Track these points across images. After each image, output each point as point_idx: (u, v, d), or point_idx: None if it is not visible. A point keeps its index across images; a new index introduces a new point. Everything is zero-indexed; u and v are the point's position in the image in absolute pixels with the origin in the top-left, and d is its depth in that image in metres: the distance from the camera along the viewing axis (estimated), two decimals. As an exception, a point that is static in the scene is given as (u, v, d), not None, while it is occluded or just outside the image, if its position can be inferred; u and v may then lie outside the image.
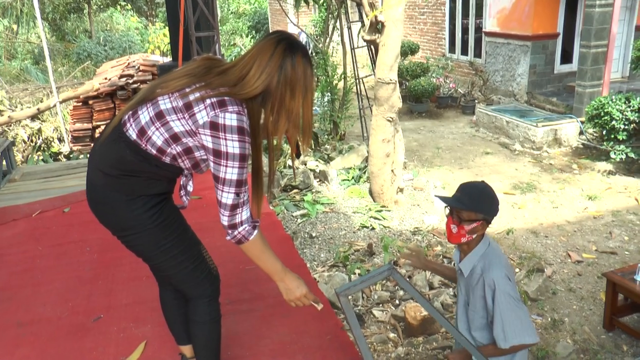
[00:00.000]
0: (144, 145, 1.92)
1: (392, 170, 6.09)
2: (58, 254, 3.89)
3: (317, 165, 7.18)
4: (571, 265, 5.08)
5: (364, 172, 6.82)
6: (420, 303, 2.17)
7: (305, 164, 7.27)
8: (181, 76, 1.93)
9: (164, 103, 1.89)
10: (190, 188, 2.19)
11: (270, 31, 1.99)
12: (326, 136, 8.55)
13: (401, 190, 6.29)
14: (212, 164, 1.89)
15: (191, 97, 1.86)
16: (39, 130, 8.88)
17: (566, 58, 10.27)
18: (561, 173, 7.40)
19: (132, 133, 1.92)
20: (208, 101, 1.84)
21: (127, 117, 1.96)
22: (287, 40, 1.91)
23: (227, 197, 1.89)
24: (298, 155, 2.51)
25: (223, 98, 1.84)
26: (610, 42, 8.19)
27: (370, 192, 6.30)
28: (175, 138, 1.90)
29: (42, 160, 8.10)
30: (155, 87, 1.95)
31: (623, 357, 3.90)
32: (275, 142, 2.03)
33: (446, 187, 6.87)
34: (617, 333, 4.13)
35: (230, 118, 1.82)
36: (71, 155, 8.31)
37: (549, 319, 4.32)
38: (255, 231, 1.97)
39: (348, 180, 6.83)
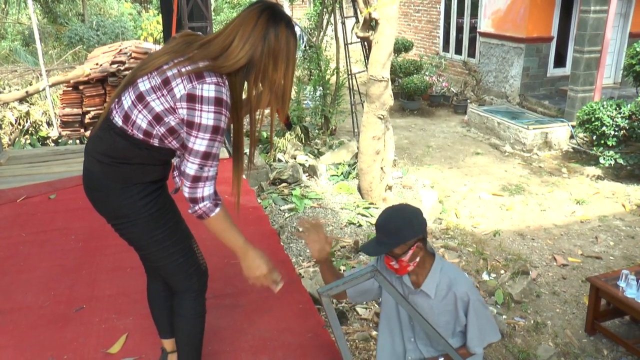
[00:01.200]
0: (130, 130, 1.90)
1: (381, 168, 6.09)
2: (42, 241, 3.84)
3: (306, 160, 7.16)
4: (556, 269, 5.11)
5: (354, 168, 6.81)
6: (401, 305, 2.17)
7: (295, 158, 7.25)
8: (161, 55, 1.90)
9: (143, 84, 1.87)
10: (184, 168, 2.17)
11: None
12: (317, 131, 8.54)
13: (390, 187, 6.29)
14: (184, 135, 1.86)
15: (169, 73, 1.83)
16: (27, 113, 8.78)
17: (559, 62, 10.31)
18: (550, 176, 7.43)
19: (118, 120, 1.91)
20: (185, 74, 1.81)
21: (113, 105, 1.95)
22: (271, 9, 1.87)
23: (190, 167, 1.85)
24: (289, 127, 2.46)
25: (201, 71, 1.81)
26: (604, 48, 8.23)
27: (359, 189, 6.29)
28: (157, 118, 1.87)
29: (30, 144, 8.01)
30: (137, 71, 1.92)
31: (603, 362, 3.94)
32: (257, 114, 1.99)
33: (435, 186, 6.88)
34: (599, 337, 4.17)
35: (207, 89, 1.79)
36: (60, 140, 8.22)
37: (532, 322, 4.35)
38: (217, 209, 1.92)
39: (337, 175, 6.82)
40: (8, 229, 4.04)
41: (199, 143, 1.83)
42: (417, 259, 2.18)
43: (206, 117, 1.80)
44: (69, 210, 4.31)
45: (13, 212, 4.34)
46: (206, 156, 1.85)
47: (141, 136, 1.91)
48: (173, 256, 2.13)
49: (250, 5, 1.90)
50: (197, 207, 1.90)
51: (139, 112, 1.87)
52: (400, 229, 2.12)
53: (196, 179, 1.86)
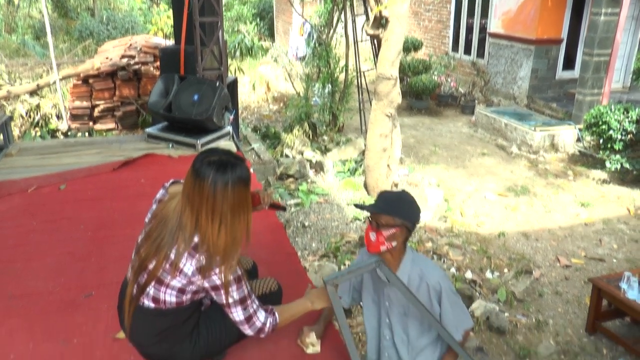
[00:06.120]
0: (164, 307, 2.13)
1: (387, 165, 6.13)
2: (52, 229, 3.90)
3: (313, 156, 7.21)
4: (559, 269, 5.14)
5: (360, 165, 6.86)
6: (406, 297, 2.21)
7: (302, 154, 7.30)
8: (150, 242, 2.10)
9: (159, 272, 2.08)
10: (232, 318, 2.28)
11: (200, 152, 2.03)
12: (324, 127, 8.58)
13: (396, 185, 6.33)
14: (214, 297, 2.08)
15: (176, 260, 2.02)
16: (38, 106, 8.87)
17: (568, 64, 10.29)
18: (556, 178, 7.45)
19: (150, 304, 2.14)
20: (185, 254, 2.02)
21: (135, 293, 2.16)
22: (217, 167, 1.96)
23: (238, 314, 2.09)
24: (284, 209, 2.74)
25: (207, 266, 2.01)
26: (614, 51, 8.21)
27: (365, 185, 6.34)
28: (181, 291, 2.09)
29: (40, 136, 8.10)
30: (143, 260, 2.11)
31: (603, 361, 3.97)
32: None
33: (441, 185, 6.91)
34: (599, 337, 4.20)
35: (219, 277, 2.02)
36: (69, 133, 8.30)
37: (534, 320, 4.39)
38: (276, 316, 2.17)
39: (344, 172, 6.87)
40: (19, 218, 4.11)
41: (232, 296, 2.06)
42: (394, 244, 2.22)
43: (232, 295, 2.05)
44: (78, 200, 4.36)
45: (24, 202, 4.40)
46: (243, 300, 2.08)
47: (174, 305, 2.12)
48: (230, 330, 2.27)
49: (195, 167, 1.98)
50: (266, 331, 2.15)
51: (164, 292, 2.10)
52: (399, 203, 2.23)
53: (249, 319, 2.11)
